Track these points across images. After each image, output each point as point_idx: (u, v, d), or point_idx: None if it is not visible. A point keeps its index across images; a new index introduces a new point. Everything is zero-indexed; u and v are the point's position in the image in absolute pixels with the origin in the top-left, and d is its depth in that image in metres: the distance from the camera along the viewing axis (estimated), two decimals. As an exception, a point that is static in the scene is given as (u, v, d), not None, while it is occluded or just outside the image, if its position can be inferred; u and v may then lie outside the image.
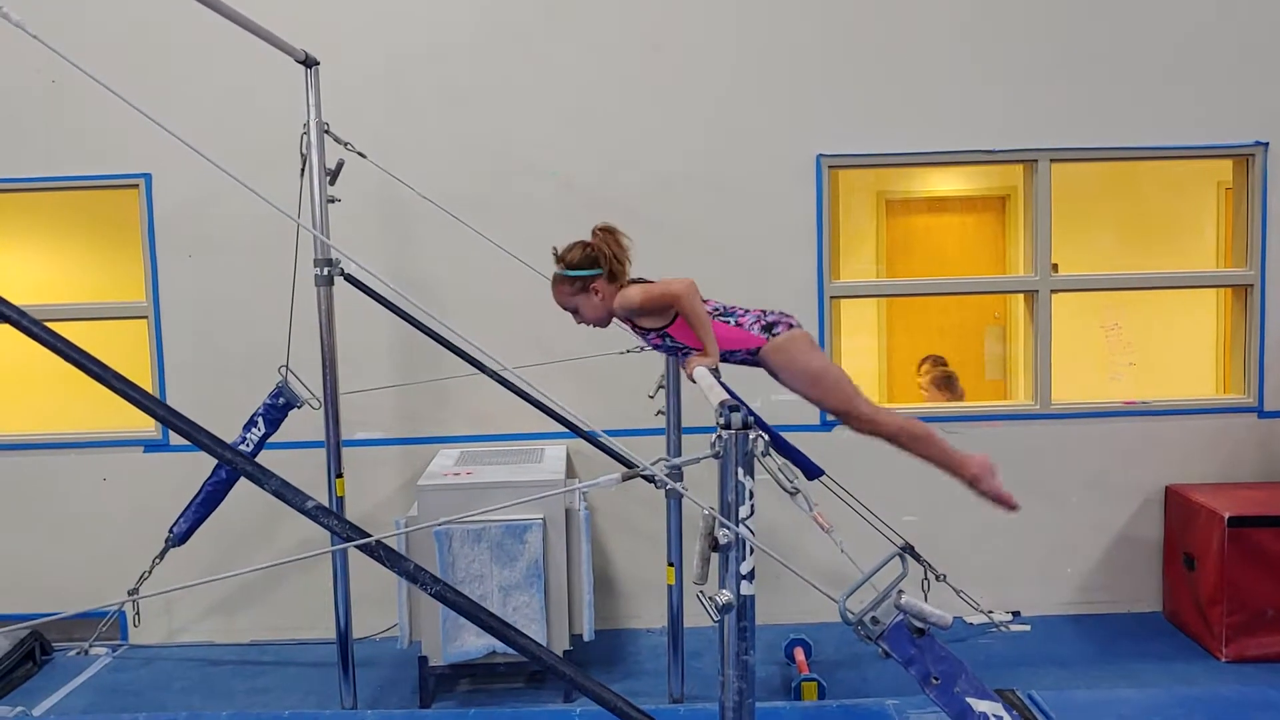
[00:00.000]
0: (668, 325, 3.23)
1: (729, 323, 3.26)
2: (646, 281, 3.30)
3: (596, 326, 3.44)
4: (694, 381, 2.95)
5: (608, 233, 3.31)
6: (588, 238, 3.30)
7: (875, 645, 1.89)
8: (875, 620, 1.90)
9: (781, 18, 5.17)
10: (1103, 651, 4.93)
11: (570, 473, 5.07)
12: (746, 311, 3.32)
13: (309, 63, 4.16)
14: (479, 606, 2.15)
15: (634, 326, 3.35)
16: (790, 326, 3.27)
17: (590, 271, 3.27)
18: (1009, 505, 3.24)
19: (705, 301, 3.31)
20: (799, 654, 4.72)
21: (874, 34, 5.19)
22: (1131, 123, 5.22)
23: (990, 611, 5.25)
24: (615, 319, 3.39)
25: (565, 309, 3.41)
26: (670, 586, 4.42)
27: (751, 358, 3.26)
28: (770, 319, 3.27)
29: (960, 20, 5.18)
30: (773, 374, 3.28)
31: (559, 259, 3.33)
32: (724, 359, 3.24)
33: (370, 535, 2.07)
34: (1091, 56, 5.19)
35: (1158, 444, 5.33)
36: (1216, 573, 4.74)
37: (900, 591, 1.94)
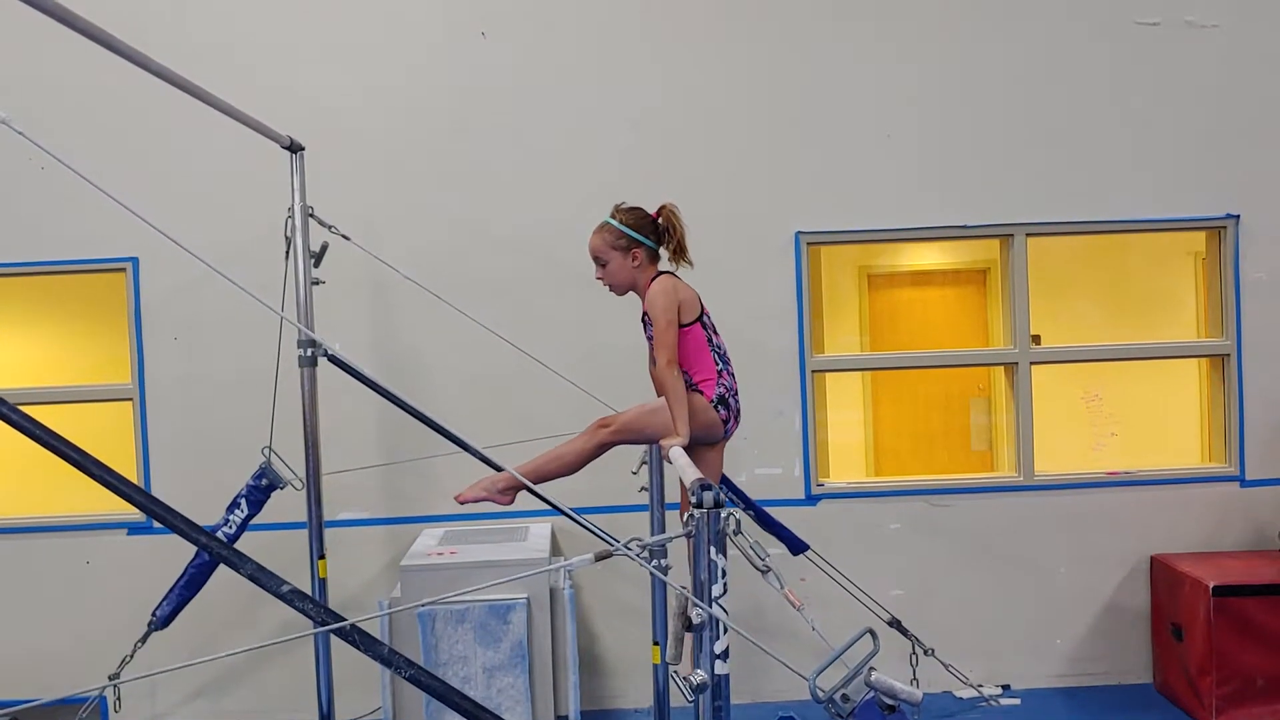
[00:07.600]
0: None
1: (719, 368, 3.42)
2: (677, 279, 3.44)
3: (613, 290, 3.55)
4: (670, 461, 2.98)
5: (675, 215, 3.44)
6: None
7: (847, 724, 1.90)
8: (845, 698, 1.90)
9: (758, 97, 5.28)
10: (1094, 725, 4.89)
11: (555, 550, 5.05)
12: (733, 378, 3.46)
13: (294, 148, 4.24)
14: (454, 690, 2.15)
15: (645, 314, 3.47)
16: (727, 423, 3.40)
17: (643, 238, 3.39)
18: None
19: (715, 334, 3.40)
20: (787, 732, 4.67)
21: (849, 111, 5.30)
22: (1106, 196, 5.31)
23: (980, 685, 5.21)
24: (635, 292, 3.51)
25: (596, 259, 3.49)
26: (656, 666, 4.39)
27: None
28: (732, 403, 3.42)
29: (935, 96, 5.30)
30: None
31: (619, 210, 3.45)
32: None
33: (345, 619, 2.07)
34: (1066, 132, 5.30)
35: (1142, 514, 5.34)
36: (1204, 643, 4.73)
37: (871, 669, 1.94)
